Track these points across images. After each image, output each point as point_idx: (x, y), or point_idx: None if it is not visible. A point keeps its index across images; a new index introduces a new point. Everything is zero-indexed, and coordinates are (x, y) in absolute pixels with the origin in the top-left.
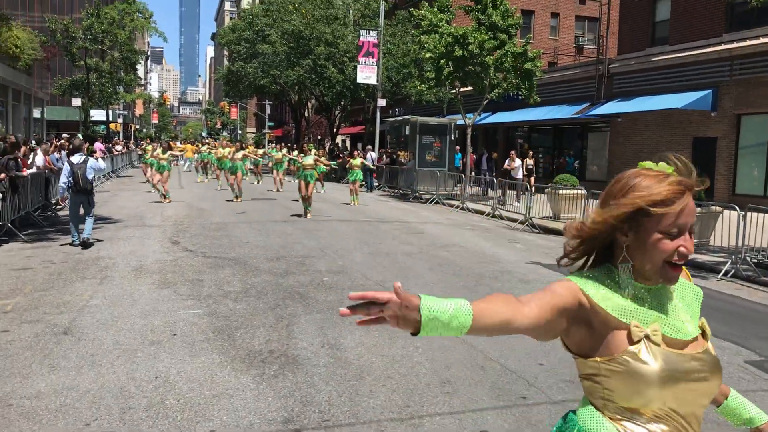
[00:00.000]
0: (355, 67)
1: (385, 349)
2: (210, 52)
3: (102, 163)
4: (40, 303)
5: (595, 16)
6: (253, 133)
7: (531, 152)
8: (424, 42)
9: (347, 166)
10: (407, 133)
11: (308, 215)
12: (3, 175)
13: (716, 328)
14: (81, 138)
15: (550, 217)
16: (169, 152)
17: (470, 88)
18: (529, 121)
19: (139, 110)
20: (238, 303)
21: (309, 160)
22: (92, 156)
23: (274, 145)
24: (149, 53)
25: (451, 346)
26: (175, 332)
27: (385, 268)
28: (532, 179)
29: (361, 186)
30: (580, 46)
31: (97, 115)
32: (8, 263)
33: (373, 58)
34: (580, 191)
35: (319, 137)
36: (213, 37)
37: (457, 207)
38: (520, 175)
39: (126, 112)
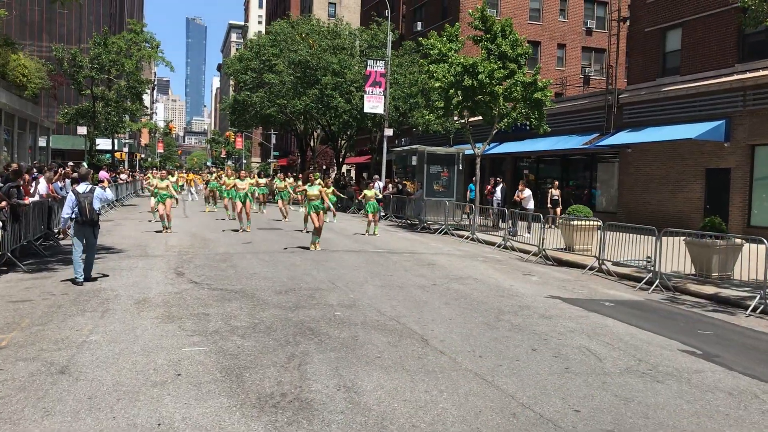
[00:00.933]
0: (362, 96)
1: (407, 392)
2: (216, 82)
3: (109, 193)
4: (37, 338)
5: (601, 47)
6: (258, 162)
7: (556, 182)
8: (433, 71)
9: (361, 197)
10: (415, 162)
11: (316, 247)
12: (4, 203)
13: (755, 369)
14: (86, 166)
15: (563, 249)
16: (166, 181)
17: (479, 117)
18: (537, 151)
19: (144, 139)
20: (247, 339)
21: (314, 190)
22: (99, 185)
23: (278, 174)
24: (155, 83)
25: (479, 391)
26: (180, 372)
27: (398, 302)
28: (558, 210)
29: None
30: (587, 77)
31: (103, 143)
32: (6, 294)
33: (380, 87)
34: (594, 222)
35: (324, 167)
36: (219, 67)
37: (467, 238)
38: (530, 205)
39: (132, 141)
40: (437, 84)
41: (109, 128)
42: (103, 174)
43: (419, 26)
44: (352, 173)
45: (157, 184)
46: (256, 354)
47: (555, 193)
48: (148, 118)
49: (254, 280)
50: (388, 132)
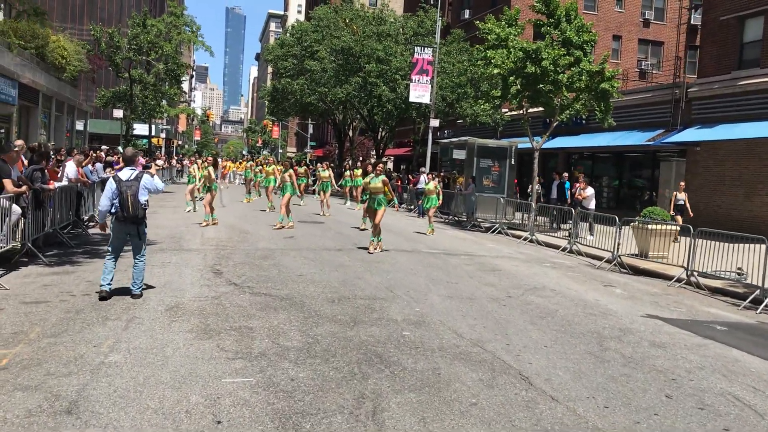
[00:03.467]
0: (407, 85)
1: None
2: (253, 72)
3: (159, 182)
4: (45, 355)
5: (659, 39)
6: (293, 152)
7: (682, 184)
8: (490, 57)
9: (423, 193)
10: (463, 156)
11: (377, 248)
12: (24, 188)
13: None
14: (133, 149)
15: (636, 255)
16: (209, 169)
17: (538, 109)
18: (594, 147)
19: (182, 126)
20: (301, 367)
21: (377, 182)
22: (147, 172)
23: (322, 164)
24: (194, 70)
25: None
26: (220, 418)
27: (475, 320)
28: (679, 218)
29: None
30: (643, 71)
31: (140, 129)
32: (21, 294)
33: (427, 75)
34: (672, 227)
35: (361, 158)
36: (257, 57)
37: (525, 239)
38: (592, 205)
39: (169, 127)
40: (496, 71)
41: (146, 112)
42: (139, 160)
43: (467, 14)
44: (390, 165)
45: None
46: (315, 391)
47: (681, 197)
48: (187, 104)
49: (301, 284)
50: (434, 123)
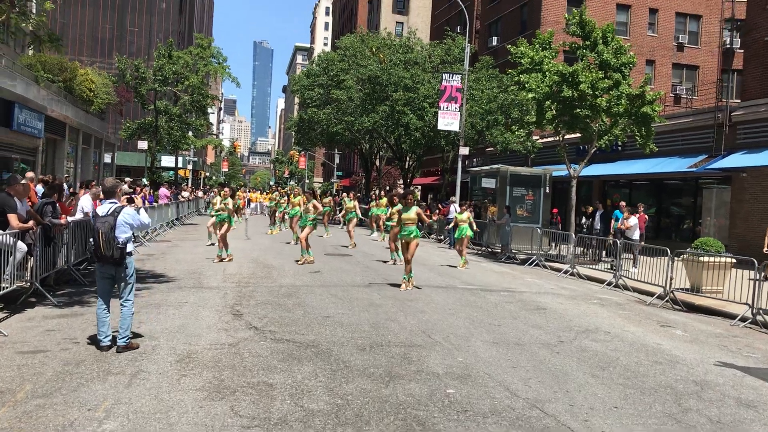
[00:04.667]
0: (436, 113)
1: None
2: (280, 104)
3: (144, 217)
4: (28, 425)
5: (694, 63)
6: (320, 182)
7: None
8: (524, 81)
9: (454, 223)
10: (492, 185)
11: (408, 286)
12: (31, 223)
13: None
14: (117, 180)
15: (687, 290)
16: (225, 201)
17: (574, 135)
18: (633, 174)
19: (210, 158)
20: None
21: (411, 213)
22: (131, 205)
23: (348, 194)
24: (222, 103)
25: None
26: None
27: (528, 372)
28: None
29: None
30: (677, 96)
31: (166, 161)
32: (20, 340)
33: (456, 103)
34: (728, 259)
35: (387, 187)
36: (284, 89)
37: (565, 272)
38: (636, 235)
39: (196, 159)
40: (530, 95)
41: (171, 143)
42: (163, 191)
43: (494, 41)
44: (417, 195)
45: (219, 205)
46: None
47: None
48: (214, 135)
49: (328, 328)
50: (464, 151)
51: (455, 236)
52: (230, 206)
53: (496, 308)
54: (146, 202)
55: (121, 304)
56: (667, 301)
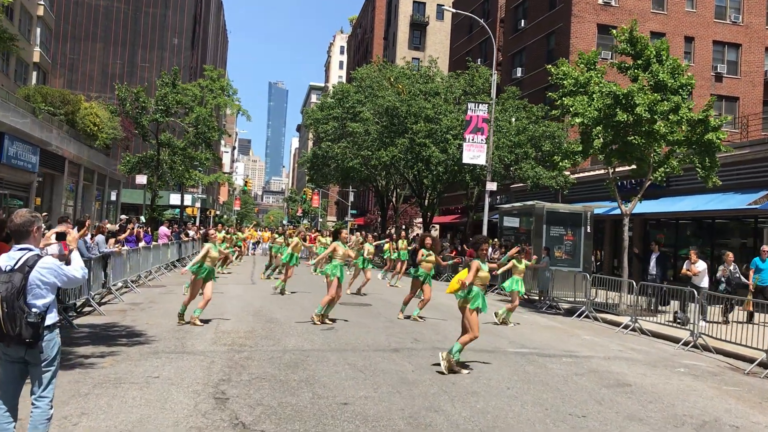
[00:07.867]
0: (460, 145)
1: None
2: (295, 143)
3: (76, 268)
4: None
5: (733, 95)
6: (333, 221)
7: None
8: (568, 104)
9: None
10: (516, 224)
11: (448, 363)
12: None
13: None
14: (33, 213)
15: None
16: (208, 245)
17: (624, 168)
18: (682, 212)
19: (223, 197)
20: None
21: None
22: (60, 248)
23: (368, 236)
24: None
25: None
26: None
27: None
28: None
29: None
30: None
31: (174, 199)
32: None
33: (482, 134)
34: None
35: (403, 226)
36: (298, 128)
37: (625, 326)
38: (705, 282)
39: (204, 197)
40: (578, 120)
41: (174, 178)
42: (162, 230)
43: (518, 72)
44: (435, 233)
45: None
46: None
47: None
48: (226, 173)
49: (346, 424)
50: (491, 186)
51: (506, 289)
52: (211, 254)
53: (566, 385)
54: (141, 241)
55: (34, 401)
56: None
